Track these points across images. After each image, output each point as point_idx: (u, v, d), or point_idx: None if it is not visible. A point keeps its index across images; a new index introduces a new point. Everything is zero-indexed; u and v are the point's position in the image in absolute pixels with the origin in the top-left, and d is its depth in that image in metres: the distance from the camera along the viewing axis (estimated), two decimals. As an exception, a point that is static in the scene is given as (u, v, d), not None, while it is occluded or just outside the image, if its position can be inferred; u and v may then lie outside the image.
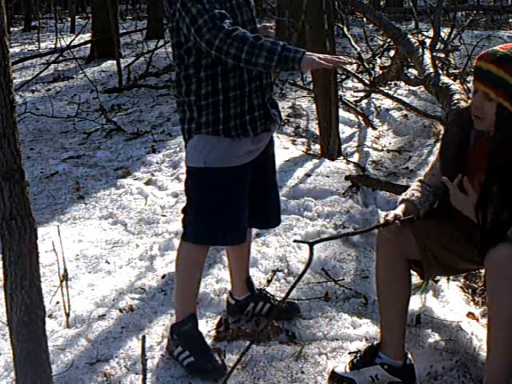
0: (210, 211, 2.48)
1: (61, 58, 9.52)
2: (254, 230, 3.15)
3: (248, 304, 2.85)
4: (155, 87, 7.92)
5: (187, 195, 2.54)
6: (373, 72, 7.29)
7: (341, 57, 2.27)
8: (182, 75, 2.42)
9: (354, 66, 8.03)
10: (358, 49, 7.82)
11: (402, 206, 2.36)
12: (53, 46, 11.34)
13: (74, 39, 10.03)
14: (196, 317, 2.60)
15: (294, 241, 2.16)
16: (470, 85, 7.00)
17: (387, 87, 7.08)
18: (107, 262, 3.46)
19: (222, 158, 2.42)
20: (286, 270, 3.25)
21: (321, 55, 2.21)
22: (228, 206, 2.47)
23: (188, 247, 2.56)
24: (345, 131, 5.84)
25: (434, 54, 6.19)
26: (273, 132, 2.60)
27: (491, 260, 2.09)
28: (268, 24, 2.66)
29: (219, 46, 2.17)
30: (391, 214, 2.28)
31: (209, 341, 2.66)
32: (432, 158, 2.49)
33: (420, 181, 2.46)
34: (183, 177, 2.62)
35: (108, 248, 3.63)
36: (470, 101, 2.20)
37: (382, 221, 2.30)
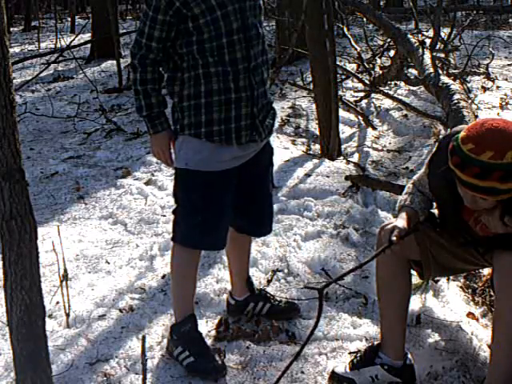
0: (190, 214, 2.47)
1: (61, 58, 9.49)
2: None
3: (248, 304, 2.85)
4: (155, 87, 7.90)
5: (174, 196, 2.55)
6: (373, 72, 7.29)
7: (168, 162, 2.51)
8: (167, 76, 2.44)
9: (354, 65, 8.03)
10: (358, 49, 7.81)
11: (403, 214, 2.27)
12: (53, 46, 11.31)
13: (73, 39, 10.00)
14: (195, 317, 2.60)
15: (305, 286, 2.10)
16: (470, 85, 7.01)
17: (387, 87, 7.07)
18: (107, 262, 3.46)
19: (204, 162, 2.40)
20: (286, 270, 3.25)
21: (160, 152, 2.48)
22: (206, 210, 2.45)
23: (179, 248, 2.56)
24: (345, 131, 5.83)
25: (434, 54, 6.20)
26: (261, 143, 2.52)
27: (504, 264, 2.09)
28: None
29: (132, 68, 2.42)
30: (395, 230, 2.16)
31: (209, 341, 2.66)
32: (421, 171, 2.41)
33: (414, 184, 2.40)
34: (183, 177, 2.61)
35: (108, 248, 3.63)
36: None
37: (383, 233, 2.23)
